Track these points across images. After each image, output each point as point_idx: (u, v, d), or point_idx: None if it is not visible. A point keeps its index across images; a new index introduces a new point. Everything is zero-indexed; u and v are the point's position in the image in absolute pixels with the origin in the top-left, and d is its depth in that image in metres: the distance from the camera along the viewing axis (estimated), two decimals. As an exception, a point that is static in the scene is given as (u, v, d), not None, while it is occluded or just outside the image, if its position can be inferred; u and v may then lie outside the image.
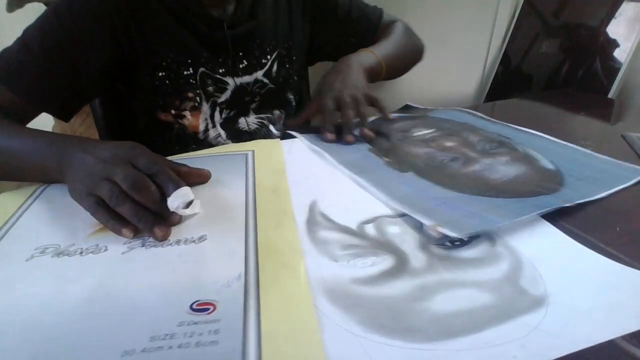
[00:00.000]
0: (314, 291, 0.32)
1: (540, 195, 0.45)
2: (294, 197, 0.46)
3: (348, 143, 0.59)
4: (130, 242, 0.38)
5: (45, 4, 1.29)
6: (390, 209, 0.44)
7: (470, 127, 0.66)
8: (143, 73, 0.65)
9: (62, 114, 0.61)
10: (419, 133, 0.63)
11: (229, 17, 0.68)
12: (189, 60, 0.66)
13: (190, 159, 0.55)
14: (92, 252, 0.37)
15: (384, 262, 0.36)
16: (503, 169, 0.51)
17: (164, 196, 0.40)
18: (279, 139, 0.61)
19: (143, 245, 0.38)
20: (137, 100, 0.70)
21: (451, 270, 0.35)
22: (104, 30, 0.60)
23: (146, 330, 0.29)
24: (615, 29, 1.00)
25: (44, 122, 0.64)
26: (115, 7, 0.60)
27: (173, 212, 0.40)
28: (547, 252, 0.37)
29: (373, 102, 0.65)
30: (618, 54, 0.99)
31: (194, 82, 0.67)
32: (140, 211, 0.39)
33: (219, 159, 0.55)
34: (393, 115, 0.73)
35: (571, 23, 1.10)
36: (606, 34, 1.01)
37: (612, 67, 0.99)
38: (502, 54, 1.27)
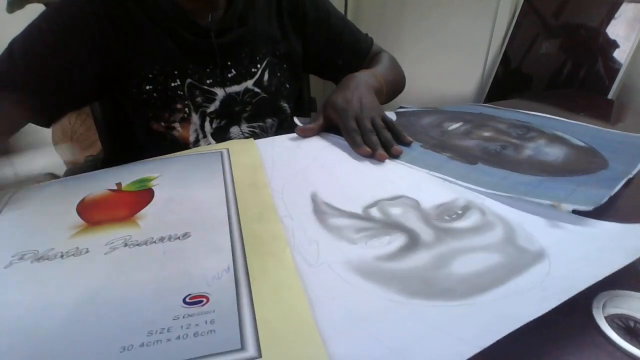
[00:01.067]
0: (344, 272, 0.34)
1: (599, 171, 0.50)
2: (291, 192, 0.47)
3: (381, 160, 0.55)
4: (112, 243, 0.38)
5: (45, 5, 1.29)
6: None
7: (488, 116, 0.70)
8: (130, 86, 0.65)
9: (44, 122, 0.62)
10: (452, 127, 0.65)
11: (216, 24, 0.67)
12: (176, 72, 0.65)
13: (165, 159, 0.55)
14: (73, 254, 0.37)
15: (398, 239, 0.38)
16: (550, 151, 0.56)
17: None
18: (252, 138, 0.61)
19: (125, 245, 0.38)
20: (130, 110, 0.70)
21: (458, 239, 0.38)
22: (86, 44, 0.60)
23: (142, 327, 0.29)
24: (615, 30, 1.00)
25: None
26: (97, 21, 0.60)
27: None
28: (530, 215, 0.42)
29: (390, 127, 0.61)
30: (618, 54, 0.99)
31: (182, 93, 0.66)
32: None
33: (194, 157, 0.55)
34: (408, 109, 0.74)
35: (571, 23, 1.10)
36: (606, 35, 1.01)
37: (611, 68, 0.99)
38: (502, 54, 1.26)
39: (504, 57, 1.26)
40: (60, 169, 1.15)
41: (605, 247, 0.36)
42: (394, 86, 0.81)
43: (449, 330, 0.27)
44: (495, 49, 1.29)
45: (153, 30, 0.63)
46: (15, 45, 0.58)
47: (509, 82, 1.25)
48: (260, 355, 0.26)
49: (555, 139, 0.60)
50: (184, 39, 0.65)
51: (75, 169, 0.85)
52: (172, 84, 0.66)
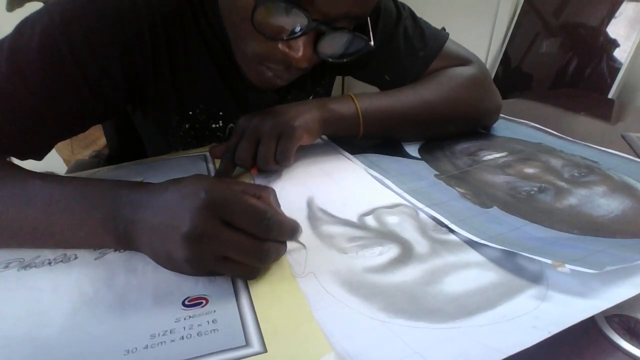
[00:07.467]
0: (330, 284, 0.33)
1: None
2: (287, 196, 0.46)
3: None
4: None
5: (45, 4, 1.29)
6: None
7: (546, 148, 0.58)
8: (167, 123, 0.57)
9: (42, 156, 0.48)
10: (490, 157, 0.56)
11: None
12: (221, 113, 0.58)
13: (150, 163, 0.54)
14: (61, 261, 0.36)
15: (391, 250, 0.37)
16: (604, 202, 0.45)
17: None
18: None
19: (116, 250, 0.37)
20: (148, 130, 0.62)
21: (454, 252, 0.37)
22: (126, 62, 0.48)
23: (144, 330, 0.29)
24: (615, 29, 1.00)
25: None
26: (153, 39, 0.49)
27: None
28: None
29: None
30: (618, 53, 0.99)
31: (221, 135, 0.61)
32: None
33: (178, 160, 0.55)
34: None
35: (571, 23, 1.10)
36: (606, 34, 1.01)
37: (612, 67, 0.99)
38: (502, 54, 1.27)
39: (504, 56, 1.26)
40: (60, 168, 1.15)
41: (612, 274, 0.33)
42: (413, 117, 0.57)
43: (427, 356, 0.26)
44: (495, 49, 1.29)
45: (211, 70, 0.55)
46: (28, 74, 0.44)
47: (509, 81, 1.25)
48: (265, 351, 0.27)
49: (622, 188, 0.48)
50: (239, 91, 0.57)
51: (80, 166, 0.84)
52: (213, 125, 0.59)
